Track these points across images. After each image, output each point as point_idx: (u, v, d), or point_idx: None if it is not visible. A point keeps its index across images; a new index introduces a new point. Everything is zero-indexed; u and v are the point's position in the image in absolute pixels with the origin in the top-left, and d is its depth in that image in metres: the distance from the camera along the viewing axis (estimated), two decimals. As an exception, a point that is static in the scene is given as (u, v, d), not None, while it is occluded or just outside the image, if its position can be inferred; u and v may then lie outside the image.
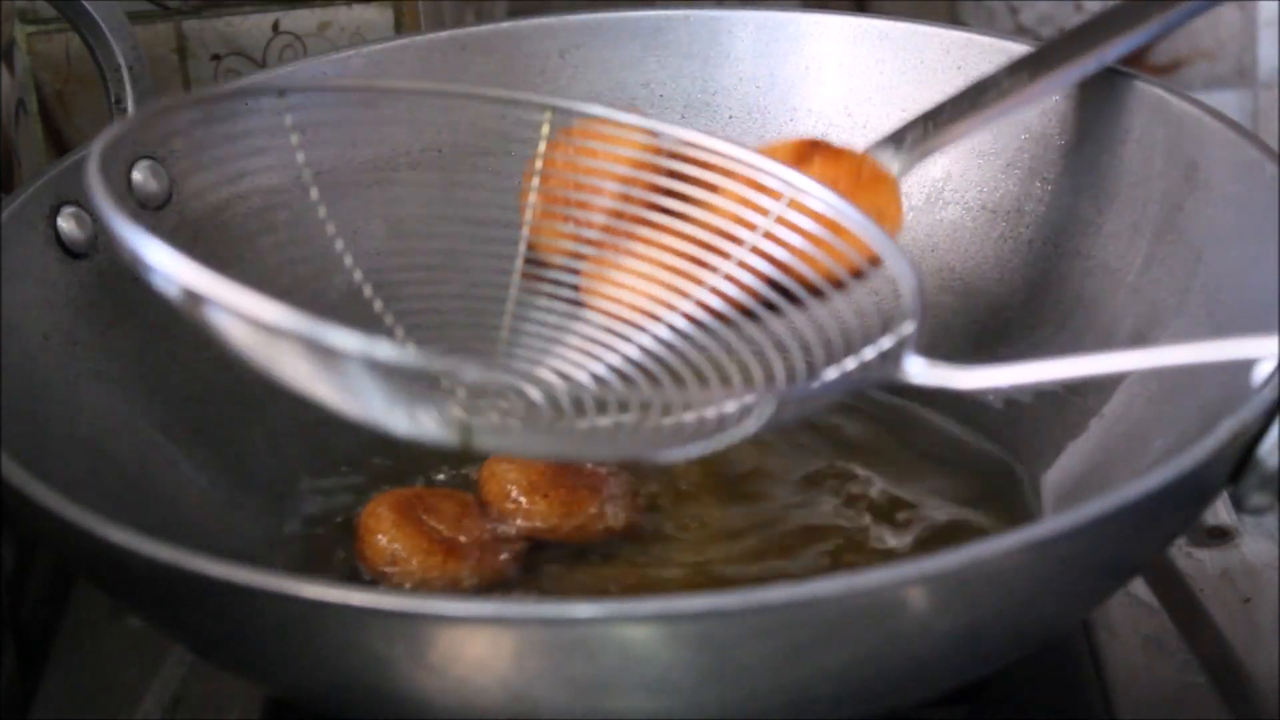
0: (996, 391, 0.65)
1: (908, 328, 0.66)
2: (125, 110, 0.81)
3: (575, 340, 0.71)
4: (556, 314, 0.72)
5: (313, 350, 0.58)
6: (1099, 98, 0.79)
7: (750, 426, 0.62)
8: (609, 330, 0.70)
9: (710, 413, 0.63)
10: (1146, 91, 0.78)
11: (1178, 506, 0.62)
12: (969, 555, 0.56)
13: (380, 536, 0.71)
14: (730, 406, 0.63)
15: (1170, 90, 0.78)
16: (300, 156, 0.72)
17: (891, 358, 0.65)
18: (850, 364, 0.66)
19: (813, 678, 0.58)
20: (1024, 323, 0.80)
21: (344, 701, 0.62)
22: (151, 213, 0.78)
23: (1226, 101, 1.01)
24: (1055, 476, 0.75)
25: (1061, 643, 0.72)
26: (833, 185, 0.70)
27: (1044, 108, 0.81)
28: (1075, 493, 0.73)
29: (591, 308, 0.70)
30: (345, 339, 0.57)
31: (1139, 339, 0.75)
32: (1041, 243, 0.80)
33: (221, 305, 0.59)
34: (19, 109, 0.90)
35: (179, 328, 0.77)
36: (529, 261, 0.72)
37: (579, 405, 0.65)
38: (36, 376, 0.71)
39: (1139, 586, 0.75)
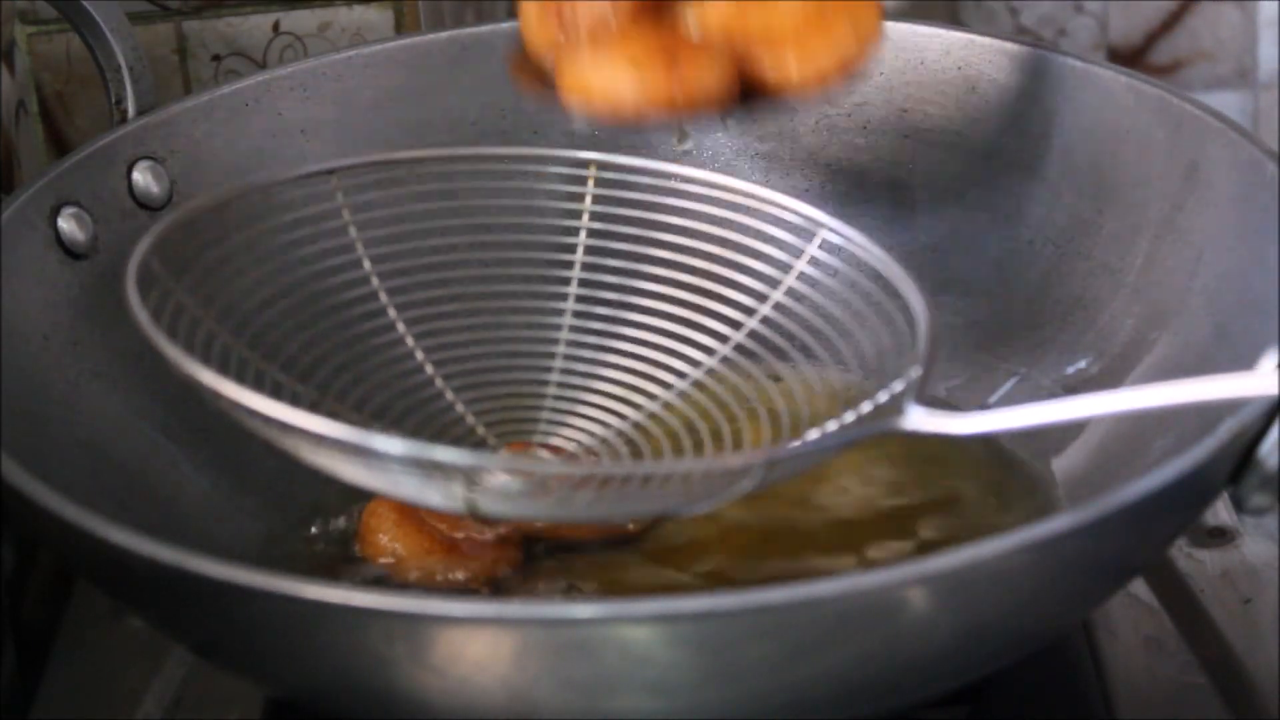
0: (993, 435, 0.65)
1: (913, 375, 0.67)
2: (126, 111, 0.81)
3: (583, 408, 0.73)
4: (558, 380, 0.74)
5: (352, 451, 0.61)
6: (1099, 98, 0.79)
7: (747, 486, 0.63)
8: (616, 395, 0.74)
9: (707, 476, 0.65)
10: (1147, 92, 0.78)
11: (1178, 507, 0.62)
12: (969, 555, 0.56)
13: (382, 536, 0.71)
14: (726, 470, 0.64)
15: (1170, 90, 0.78)
16: (353, 232, 0.75)
17: (892, 408, 0.66)
18: (849, 418, 0.68)
19: (813, 678, 0.58)
20: (1025, 323, 0.80)
21: (344, 702, 0.62)
22: (151, 213, 0.78)
23: (1227, 102, 1.01)
24: (1056, 477, 0.75)
25: (1062, 643, 0.72)
26: None
27: (1045, 108, 0.81)
28: (1076, 493, 0.73)
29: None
30: (390, 445, 0.60)
31: (1140, 339, 0.75)
32: (1042, 243, 0.80)
33: (274, 422, 0.62)
34: (19, 109, 0.90)
35: (180, 328, 0.77)
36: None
37: (581, 479, 0.66)
38: (37, 377, 0.71)
39: (1139, 587, 0.75)
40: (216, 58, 0.94)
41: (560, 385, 0.75)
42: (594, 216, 0.77)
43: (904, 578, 0.56)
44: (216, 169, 0.80)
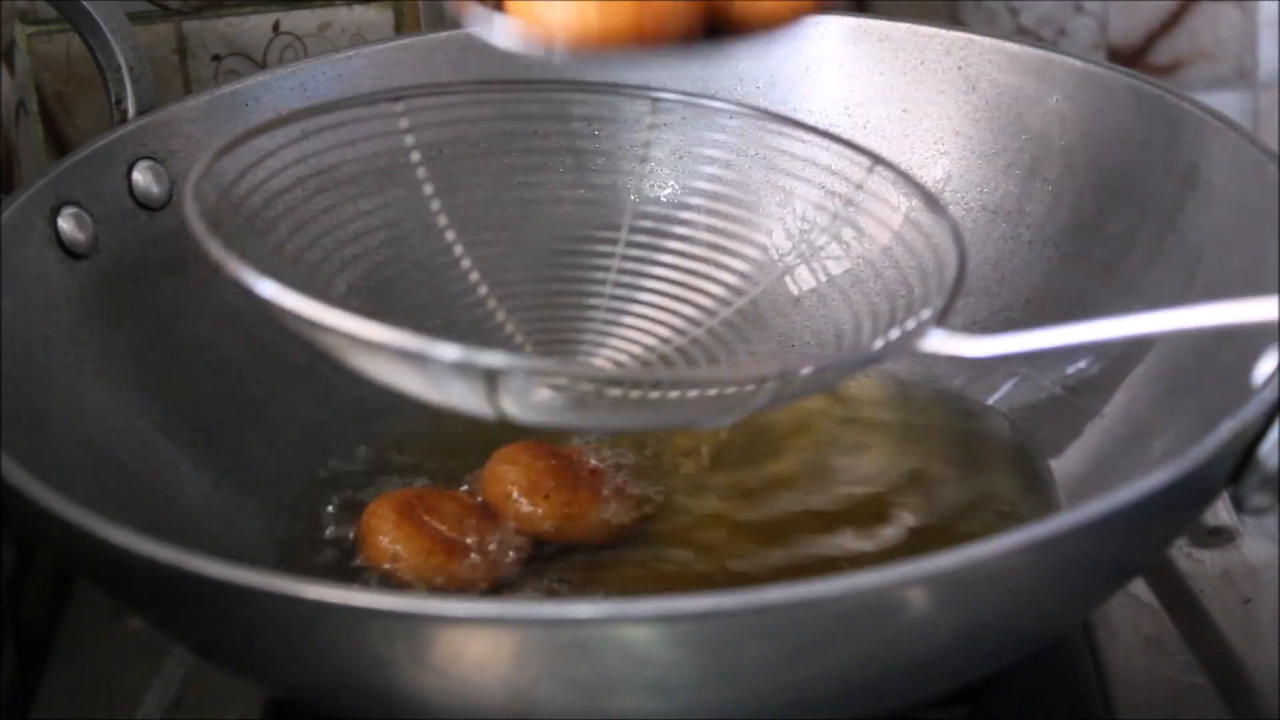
0: (1007, 358, 0.65)
1: (938, 304, 0.67)
2: (126, 111, 0.81)
3: (628, 330, 0.74)
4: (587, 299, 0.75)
5: (405, 358, 0.62)
6: (1099, 98, 0.79)
7: (766, 398, 0.64)
8: (656, 305, 0.74)
9: (736, 388, 0.64)
10: (1147, 92, 0.78)
11: (1178, 507, 0.62)
12: (969, 555, 0.56)
13: (382, 537, 0.71)
14: (754, 383, 0.64)
15: (1170, 91, 0.78)
16: (415, 156, 0.76)
17: (915, 333, 0.66)
18: (878, 342, 0.68)
19: (813, 678, 0.58)
20: (1025, 323, 0.80)
21: (344, 702, 0.62)
22: (151, 213, 0.78)
23: (1227, 102, 1.01)
24: (1056, 477, 0.75)
25: (1062, 643, 0.72)
26: None
27: (1045, 108, 0.81)
28: (1076, 493, 0.73)
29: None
30: (447, 351, 0.61)
31: (1140, 340, 0.75)
32: (1042, 244, 0.80)
33: (324, 327, 0.63)
34: (19, 109, 0.90)
35: (179, 328, 0.78)
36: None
37: (618, 385, 0.66)
38: (37, 377, 0.71)
39: (1139, 587, 0.75)
40: (216, 58, 0.94)
41: (608, 310, 0.75)
42: (653, 145, 0.78)
43: (904, 578, 0.56)
44: (216, 169, 0.80)
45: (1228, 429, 0.60)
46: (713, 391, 0.64)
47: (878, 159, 0.74)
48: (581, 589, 0.70)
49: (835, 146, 0.75)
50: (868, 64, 0.84)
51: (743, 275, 0.75)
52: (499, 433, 0.77)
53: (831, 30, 0.84)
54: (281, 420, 0.78)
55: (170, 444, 0.75)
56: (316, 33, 0.93)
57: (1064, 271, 0.79)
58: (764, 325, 0.75)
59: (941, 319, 0.67)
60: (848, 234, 0.75)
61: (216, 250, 0.64)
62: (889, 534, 0.73)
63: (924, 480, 0.75)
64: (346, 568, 0.72)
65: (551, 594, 0.70)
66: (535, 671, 0.57)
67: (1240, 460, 0.61)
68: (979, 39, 0.82)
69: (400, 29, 0.94)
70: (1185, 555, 0.76)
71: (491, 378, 0.61)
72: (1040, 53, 0.81)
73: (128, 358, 0.75)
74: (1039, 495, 0.75)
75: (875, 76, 0.83)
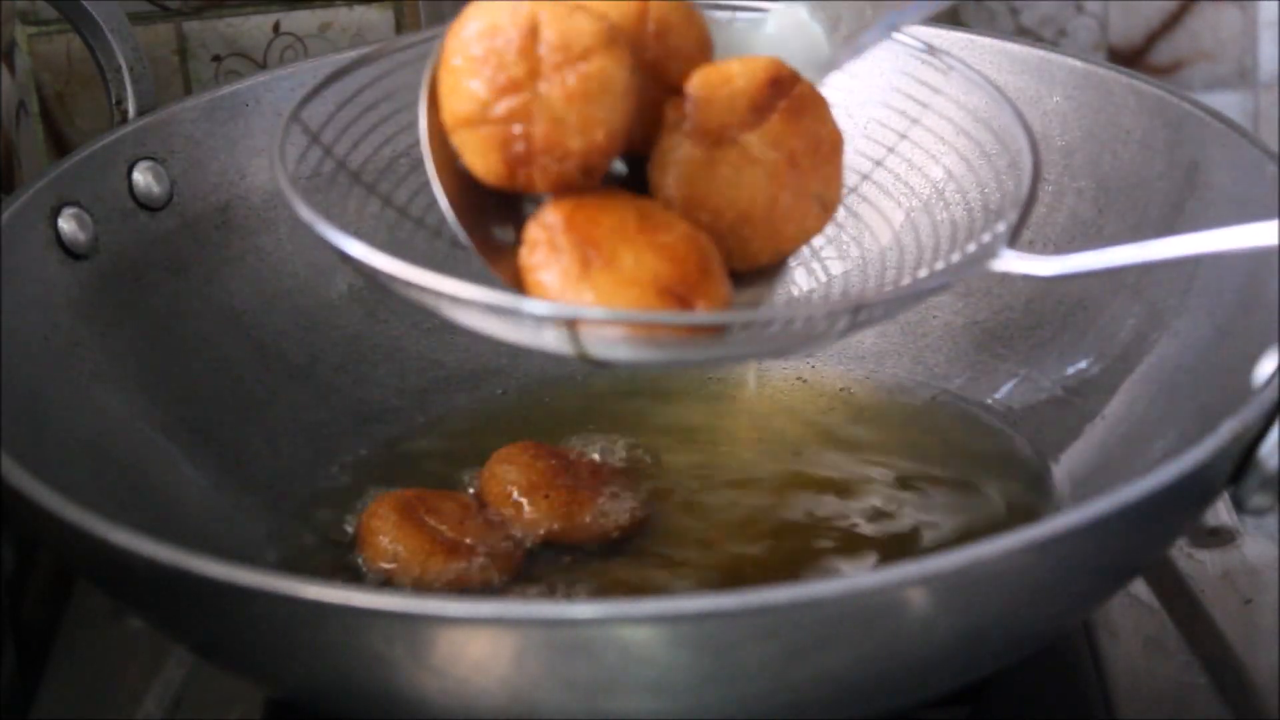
0: (1078, 276, 0.66)
1: (1011, 218, 0.67)
2: (126, 111, 0.81)
3: None
4: None
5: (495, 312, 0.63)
6: (1099, 98, 0.79)
7: (841, 329, 0.64)
8: None
9: (807, 319, 0.64)
10: (1147, 92, 0.78)
11: (1178, 507, 0.62)
12: (969, 555, 0.56)
13: (382, 537, 0.71)
14: (828, 317, 0.64)
15: (1171, 91, 0.78)
16: None
17: (986, 252, 0.66)
18: (941, 264, 0.68)
19: (813, 679, 0.58)
20: (1025, 323, 0.80)
21: (344, 702, 0.62)
22: (152, 213, 0.79)
23: (1227, 102, 1.01)
24: (1056, 477, 0.75)
25: (1062, 643, 0.72)
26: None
27: (1045, 108, 0.81)
28: (1077, 493, 0.73)
29: None
30: (536, 307, 0.62)
31: (1140, 339, 0.75)
32: (1042, 244, 0.80)
33: (416, 286, 0.63)
34: (20, 110, 0.90)
35: (179, 328, 0.78)
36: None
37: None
38: (37, 377, 0.71)
39: (1140, 587, 0.75)
40: (217, 58, 0.94)
41: None
42: None
43: (904, 578, 0.56)
44: (216, 169, 0.80)
45: (1228, 429, 0.60)
46: (787, 327, 0.64)
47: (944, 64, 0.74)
48: (581, 589, 0.70)
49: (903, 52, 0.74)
50: (868, 64, 0.83)
51: None
52: (499, 433, 0.77)
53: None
54: (281, 420, 0.78)
55: (170, 444, 0.75)
56: (317, 33, 0.93)
57: (1064, 272, 0.79)
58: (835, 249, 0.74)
59: (1014, 236, 0.66)
60: (908, 150, 0.75)
61: (306, 213, 0.65)
62: (889, 534, 0.73)
63: (924, 480, 0.75)
64: (346, 568, 0.72)
65: (551, 594, 0.70)
66: (535, 671, 0.57)
67: (1240, 460, 0.61)
68: (979, 39, 0.82)
69: (400, 29, 0.94)
70: (1185, 555, 0.76)
71: (573, 326, 0.62)
72: (1040, 53, 0.81)
73: (128, 358, 0.75)
74: (1039, 495, 0.75)
75: (875, 77, 0.83)
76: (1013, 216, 0.67)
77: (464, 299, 0.62)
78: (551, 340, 0.63)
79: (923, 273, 0.69)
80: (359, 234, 0.65)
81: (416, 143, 0.67)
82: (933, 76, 0.74)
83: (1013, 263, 0.66)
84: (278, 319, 0.80)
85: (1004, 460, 0.76)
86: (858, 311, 0.64)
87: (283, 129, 0.68)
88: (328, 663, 0.59)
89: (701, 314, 0.64)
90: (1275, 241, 0.62)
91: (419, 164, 0.68)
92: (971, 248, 0.68)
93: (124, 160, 0.78)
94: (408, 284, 0.63)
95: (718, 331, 0.64)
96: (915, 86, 0.76)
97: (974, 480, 0.76)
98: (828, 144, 0.69)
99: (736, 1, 0.74)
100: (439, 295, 0.63)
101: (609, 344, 0.62)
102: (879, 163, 0.75)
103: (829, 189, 0.69)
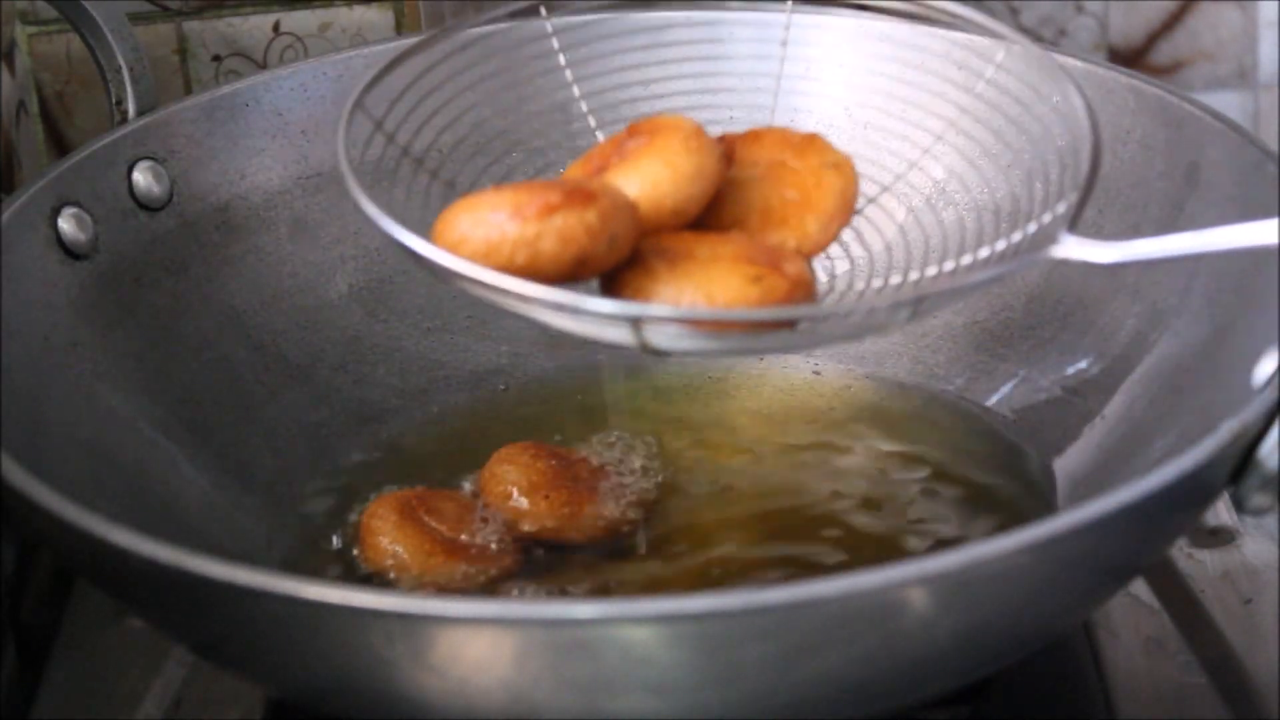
0: (1140, 263, 0.66)
1: (1070, 200, 0.67)
2: (126, 111, 0.81)
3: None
4: None
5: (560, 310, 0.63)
6: (1099, 98, 0.79)
7: (902, 319, 0.65)
8: None
9: (869, 311, 0.65)
10: (1147, 92, 0.78)
11: (1179, 507, 0.62)
12: (969, 555, 0.56)
13: (382, 538, 0.71)
14: (888, 309, 0.65)
15: (1171, 91, 0.78)
16: (569, 74, 0.77)
17: (1046, 237, 0.66)
18: (1000, 246, 0.68)
19: (813, 678, 0.58)
20: (1025, 323, 0.80)
21: (345, 702, 0.62)
22: (152, 213, 0.79)
23: (1227, 102, 1.01)
24: (1056, 477, 0.75)
25: (1062, 643, 0.72)
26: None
27: (1045, 108, 0.80)
28: (1077, 493, 0.73)
29: None
30: (599, 305, 0.63)
31: (1140, 339, 0.75)
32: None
33: (477, 283, 0.64)
34: (20, 110, 0.90)
35: (179, 328, 0.78)
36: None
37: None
38: (37, 378, 0.71)
39: (1140, 587, 0.75)
40: (217, 58, 0.94)
41: None
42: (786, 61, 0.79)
43: (904, 578, 0.56)
44: (216, 169, 0.80)
45: (1228, 429, 0.60)
46: (847, 319, 0.65)
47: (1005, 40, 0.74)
48: (582, 589, 0.70)
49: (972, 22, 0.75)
50: (868, 64, 0.83)
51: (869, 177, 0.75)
52: (499, 433, 0.77)
53: (831, 30, 0.84)
54: (281, 420, 0.78)
55: (170, 444, 0.75)
56: (317, 33, 0.93)
57: (1065, 272, 0.79)
58: (883, 242, 0.74)
59: (1074, 220, 0.66)
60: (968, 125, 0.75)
61: (370, 208, 0.65)
62: (889, 534, 0.73)
63: (924, 480, 0.75)
64: (347, 568, 0.72)
65: (551, 593, 0.70)
66: (535, 671, 0.57)
67: (1240, 460, 0.61)
68: (979, 40, 0.82)
69: (400, 29, 0.94)
70: (1185, 555, 0.76)
71: (637, 323, 0.62)
72: (1040, 53, 0.81)
73: (128, 358, 0.75)
74: (1039, 495, 0.75)
75: (875, 77, 0.83)
76: (1073, 198, 0.67)
77: (530, 296, 0.63)
78: (615, 334, 0.63)
79: (969, 260, 0.69)
80: (423, 224, 0.66)
81: (475, 128, 0.72)
82: (976, 61, 0.75)
83: (1073, 249, 0.65)
84: (278, 319, 0.80)
85: (1004, 460, 0.76)
86: (920, 302, 0.64)
87: (345, 119, 0.69)
88: (328, 663, 0.59)
89: (766, 311, 0.65)
90: None
91: (481, 148, 0.73)
92: (1031, 228, 0.68)
93: (124, 160, 0.78)
94: (477, 282, 0.63)
95: (784, 325, 0.65)
96: (956, 71, 0.77)
97: (974, 480, 0.76)
98: (798, 137, 0.71)
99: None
100: (507, 294, 0.63)
101: (674, 336, 0.63)
102: (925, 151, 0.76)
103: (829, 153, 0.71)
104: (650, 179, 0.67)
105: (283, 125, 0.82)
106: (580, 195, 0.65)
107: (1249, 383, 0.64)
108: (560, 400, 0.81)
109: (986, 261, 0.69)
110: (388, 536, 0.71)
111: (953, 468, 0.76)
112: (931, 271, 0.71)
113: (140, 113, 0.81)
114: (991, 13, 1.01)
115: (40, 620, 0.77)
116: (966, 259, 0.70)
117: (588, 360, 0.82)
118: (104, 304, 0.76)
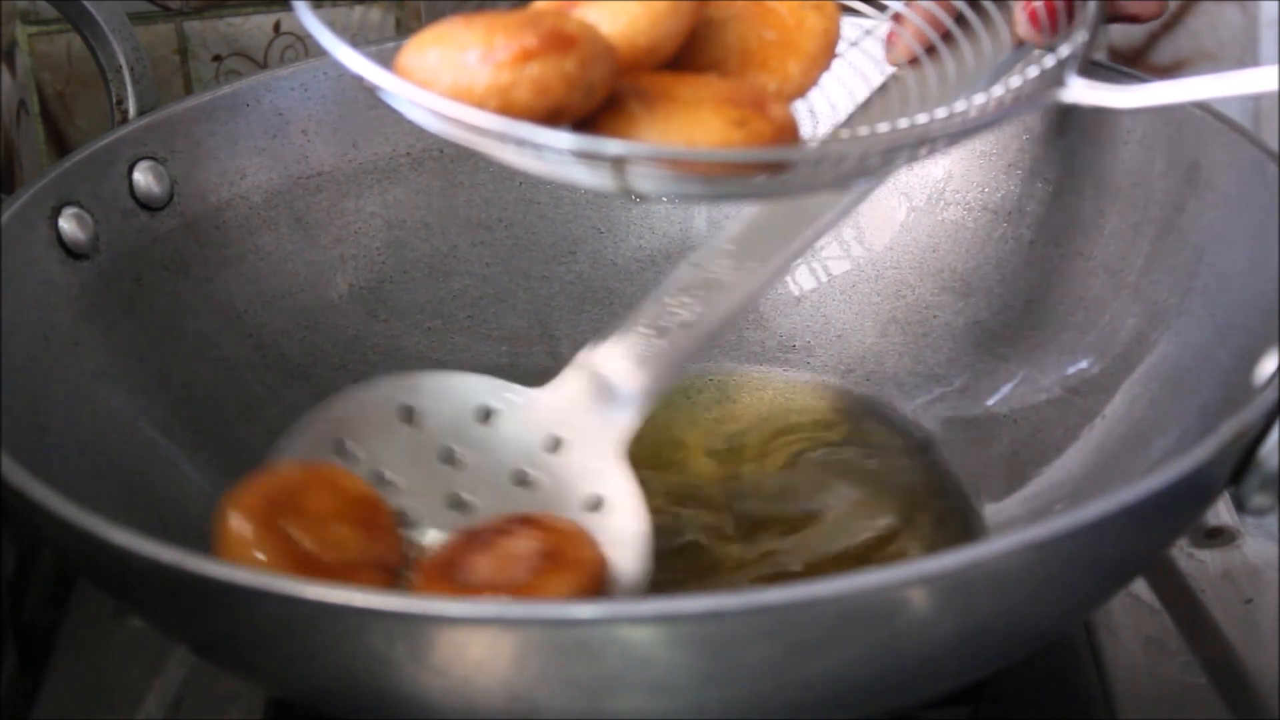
0: (1153, 109, 0.64)
1: (1079, 39, 0.64)
2: (127, 111, 0.81)
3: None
4: None
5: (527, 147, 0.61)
6: (1100, 98, 0.79)
7: (902, 160, 0.62)
8: None
9: (860, 152, 0.63)
10: (1147, 92, 0.78)
11: (1179, 507, 0.62)
12: (969, 556, 0.56)
13: (241, 549, 0.64)
14: (888, 148, 0.62)
15: (1171, 91, 0.78)
16: None
17: (1052, 77, 0.64)
18: (1013, 83, 0.66)
19: (814, 678, 0.58)
20: (1025, 323, 0.80)
21: (345, 702, 0.62)
22: (152, 213, 0.79)
23: (1227, 103, 1.01)
24: (1056, 477, 0.75)
25: (1063, 643, 0.72)
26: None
27: (1045, 108, 0.81)
28: (1077, 494, 0.73)
29: None
30: (554, 139, 0.60)
31: (1140, 339, 0.75)
32: (1043, 243, 0.80)
33: (443, 118, 0.61)
34: (20, 110, 0.90)
35: (179, 328, 0.78)
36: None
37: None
38: (37, 377, 0.71)
39: (1140, 587, 0.75)
40: (217, 58, 0.94)
41: None
42: None
43: (904, 578, 0.56)
44: (217, 169, 0.81)
45: (1228, 429, 0.60)
46: (840, 164, 0.62)
47: None
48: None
49: None
50: (868, 64, 0.83)
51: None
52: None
53: (832, 30, 0.84)
54: (281, 420, 0.78)
55: (170, 444, 0.75)
56: (317, 33, 0.93)
57: (1064, 271, 0.79)
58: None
59: (1083, 61, 0.64)
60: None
61: (336, 46, 0.64)
62: (889, 534, 0.73)
63: (924, 480, 0.76)
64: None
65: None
66: (535, 671, 0.57)
67: (1241, 460, 0.61)
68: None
69: (400, 29, 0.94)
70: (1186, 555, 0.76)
71: (619, 164, 0.60)
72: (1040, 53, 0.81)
73: (128, 358, 0.75)
74: (1038, 496, 0.75)
75: (876, 77, 0.83)
76: (1080, 39, 0.65)
77: (502, 133, 0.60)
78: (594, 178, 0.61)
79: (973, 102, 0.66)
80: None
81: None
82: None
83: (1083, 92, 0.63)
84: (278, 319, 0.80)
85: (1003, 460, 0.77)
86: (917, 146, 0.62)
87: None
88: (328, 663, 0.59)
89: (754, 152, 0.62)
90: None
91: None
92: (1033, 72, 0.65)
93: (124, 160, 0.78)
94: (448, 118, 0.61)
95: (772, 167, 0.62)
96: None
97: (974, 480, 0.76)
98: None
99: None
100: (482, 131, 0.61)
101: (656, 179, 0.61)
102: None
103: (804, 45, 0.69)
104: (625, 14, 0.64)
105: (283, 125, 0.82)
106: (558, 40, 0.62)
107: (1249, 383, 0.64)
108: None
109: (988, 107, 0.66)
110: (236, 550, 0.65)
111: (952, 468, 0.76)
112: (925, 119, 0.67)
113: (140, 113, 0.81)
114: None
115: (40, 620, 0.77)
116: (964, 105, 0.67)
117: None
118: (104, 304, 0.76)
